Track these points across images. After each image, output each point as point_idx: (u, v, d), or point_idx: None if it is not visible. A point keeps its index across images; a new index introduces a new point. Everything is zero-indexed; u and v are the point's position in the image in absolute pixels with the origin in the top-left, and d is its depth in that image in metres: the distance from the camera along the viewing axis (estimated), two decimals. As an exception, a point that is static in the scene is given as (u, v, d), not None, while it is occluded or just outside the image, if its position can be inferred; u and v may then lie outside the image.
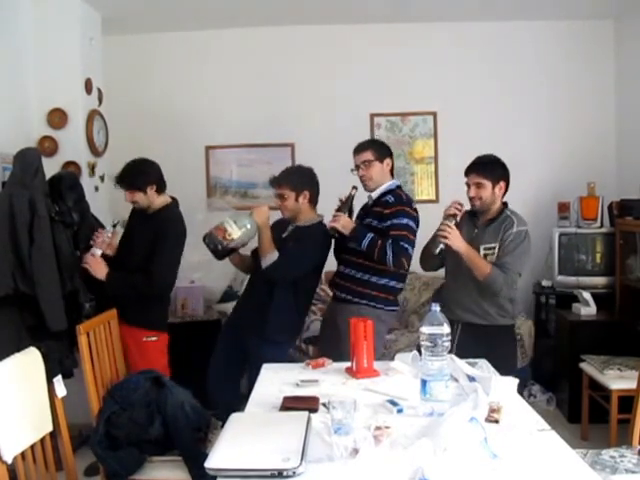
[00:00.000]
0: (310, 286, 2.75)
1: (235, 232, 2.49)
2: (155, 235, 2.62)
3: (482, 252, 2.48)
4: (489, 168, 2.53)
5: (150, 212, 2.74)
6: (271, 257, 2.55)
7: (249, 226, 2.52)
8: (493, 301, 2.51)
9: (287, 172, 2.77)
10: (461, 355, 2.25)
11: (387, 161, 2.71)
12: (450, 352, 2.30)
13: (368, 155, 2.67)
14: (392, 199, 2.61)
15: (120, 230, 2.78)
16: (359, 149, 2.72)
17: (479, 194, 2.52)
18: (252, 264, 2.76)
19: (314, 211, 2.75)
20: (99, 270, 2.64)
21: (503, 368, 2.20)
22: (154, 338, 2.68)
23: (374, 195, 2.70)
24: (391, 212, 2.57)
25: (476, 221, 2.60)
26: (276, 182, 2.69)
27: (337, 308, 2.71)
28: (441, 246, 2.45)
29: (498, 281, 2.42)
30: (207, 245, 2.54)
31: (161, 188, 2.73)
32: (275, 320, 2.60)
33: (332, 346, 2.52)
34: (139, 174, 2.67)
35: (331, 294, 3.89)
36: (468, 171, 2.56)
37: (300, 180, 2.69)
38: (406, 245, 2.52)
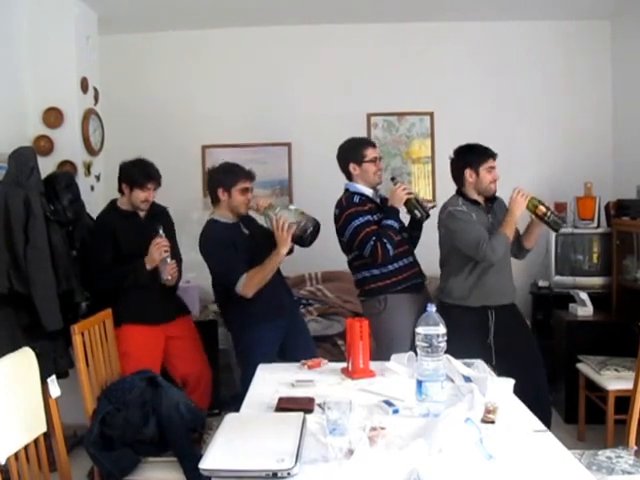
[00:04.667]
0: None
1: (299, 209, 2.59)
2: (171, 227, 2.91)
3: None
4: None
5: (146, 211, 2.80)
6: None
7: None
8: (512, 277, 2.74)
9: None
10: (501, 335, 2.61)
11: None
12: (488, 338, 2.62)
13: None
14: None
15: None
16: (373, 143, 2.81)
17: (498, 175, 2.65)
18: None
19: None
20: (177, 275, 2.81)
21: (532, 338, 2.72)
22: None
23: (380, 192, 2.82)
24: None
25: (482, 207, 2.69)
26: (254, 176, 2.73)
27: (427, 295, 2.84)
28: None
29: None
30: (314, 233, 2.60)
31: None
32: None
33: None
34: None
35: (330, 295, 3.91)
36: (491, 155, 2.64)
37: None
38: None
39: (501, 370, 2.26)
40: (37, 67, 3.35)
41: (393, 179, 2.77)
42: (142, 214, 2.82)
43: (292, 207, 2.57)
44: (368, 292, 2.73)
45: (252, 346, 2.62)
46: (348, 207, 2.65)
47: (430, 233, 2.80)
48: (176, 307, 2.91)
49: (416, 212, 2.65)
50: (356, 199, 2.67)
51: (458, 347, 2.08)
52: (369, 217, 2.63)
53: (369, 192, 2.74)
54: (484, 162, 2.63)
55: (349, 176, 2.76)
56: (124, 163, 2.81)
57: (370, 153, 2.72)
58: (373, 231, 2.59)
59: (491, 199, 2.72)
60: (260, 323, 2.61)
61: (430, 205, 2.69)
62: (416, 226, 2.80)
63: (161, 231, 2.69)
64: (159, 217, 2.85)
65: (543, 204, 2.57)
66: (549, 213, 2.56)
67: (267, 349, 2.60)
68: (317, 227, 2.60)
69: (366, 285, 2.73)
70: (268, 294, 2.58)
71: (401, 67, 4.17)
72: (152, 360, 2.66)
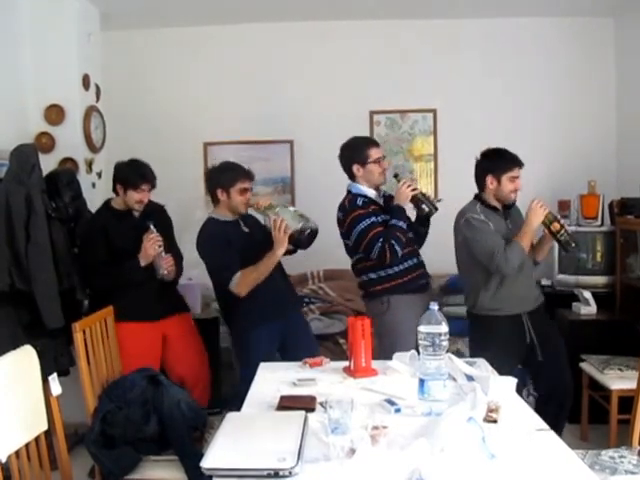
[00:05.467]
0: None
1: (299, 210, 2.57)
2: (167, 225, 2.89)
3: None
4: None
5: (139, 211, 2.78)
6: None
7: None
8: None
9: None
10: (542, 340, 2.61)
11: None
12: (530, 342, 2.60)
13: None
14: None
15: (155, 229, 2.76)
16: (377, 142, 2.77)
17: (520, 185, 2.60)
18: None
19: None
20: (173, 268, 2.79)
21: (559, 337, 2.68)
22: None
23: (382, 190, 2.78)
24: None
25: (499, 213, 2.65)
26: (253, 176, 2.72)
27: (429, 295, 2.75)
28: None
29: None
30: (313, 233, 2.57)
31: None
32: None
33: None
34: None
35: (332, 293, 3.91)
36: (518, 165, 2.58)
37: None
38: None
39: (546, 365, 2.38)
40: (39, 64, 3.35)
41: (396, 176, 2.71)
42: (136, 213, 2.79)
43: (291, 208, 2.55)
44: (372, 294, 2.69)
45: (251, 346, 2.61)
46: (352, 210, 2.61)
47: (434, 230, 2.78)
48: (173, 304, 2.88)
49: (424, 207, 2.58)
50: (359, 202, 2.61)
51: (498, 355, 2.11)
52: (374, 219, 2.58)
53: (372, 193, 2.68)
54: (508, 170, 2.56)
55: (352, 176, 2.70)
56: (118, 163, 2.80)
57: (374, 153, 2.65)
58: (380, 232, 2.55)
59: (508, 205, 2.68)
60: (260, 323, 2.59)
61: (437, 199, 2.65)
62: (424, 222, 2.73)
63: (152, 226, 2.67)
64: (154, 215, 2.82)
65: (559, 221, 2.52)
66: (563, 231, 2.51)
67: (266, 349, 2.59)
68: (315, 230, 2.56)
69: (370, 287, 2.69)
70: (269, 294, 2.56)
71: (404, 64, 4.15)
72: (152, 356, 2.66)
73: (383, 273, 2.63)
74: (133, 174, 2.71)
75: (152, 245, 2.64)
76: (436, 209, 2.60)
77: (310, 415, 1.63)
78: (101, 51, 3.75)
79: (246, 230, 2.69)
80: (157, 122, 4.09)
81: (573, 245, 2.53)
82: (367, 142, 2.73)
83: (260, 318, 2.59)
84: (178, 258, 2.88)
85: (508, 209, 2.69)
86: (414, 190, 2.58)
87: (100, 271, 2.69)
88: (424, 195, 2.61)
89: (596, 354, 3.12)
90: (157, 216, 2.85)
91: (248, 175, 2.67)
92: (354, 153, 2.67)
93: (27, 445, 1.67)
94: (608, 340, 3.27)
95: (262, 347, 2.59)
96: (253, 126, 4.11)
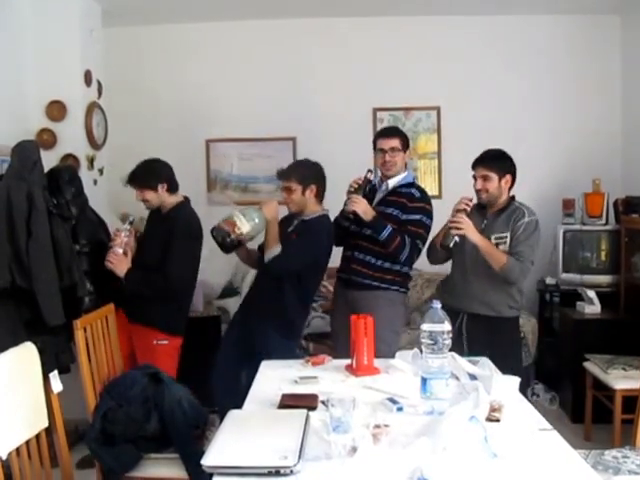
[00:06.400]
0: (312, 285, 2.73)
1: (244, 226, 2.49)
2: (169, 235, 2.64)
3: (493, 241, 2.52)
4: (496, 161, 2.58)
5: (164, 212, 2.78)
6: (274, 251, 2.54)
7: (257, 220, 2.51)
8: (505, 292, 2.55)
9: (295, 165, 2.80)
10: (467, 345, 2.46)
11: (407, 152, 2.81)
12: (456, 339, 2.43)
13: (396, 142, 2.73)
14: (418, 194, 2.72)
15: (130, 227, 2.73)
16: (388, 134, 2.79)
17: (485, 186, 2.56)
18: (259, 259, 2.71)
19: (320, 205, 2.72)
20: (120, 267, 2.63)
21: (508, 361, 2.31)
22: (165, 342, 2.67)
23: (391, 184, 2.76)
24: (415, 207, 2.68)
25: (485, 213, 2.64)
26: (284, 175, 2.66)
27: (358, 296, 2.70)
28: (455, 239, 2.47)
29: (515, 270, 2.47)
30: (215, 238, 2.52)
31: (173, 188, 2.76)
32: (283, 318, 2.60)
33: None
34: (150, 172, 2.72)
35: (332, 290, 3.91)
36: (475, 164, 2.60)
37: (307, 174, 2.66)
38: (420, 244, 2.68)
39: None
40: (40, 60, 3.34)
41: (351, 191, 2.65)
42: (163, 212, 2.78)
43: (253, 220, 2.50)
44: (402, 284, 2.85)
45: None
46: (430, 202, 2.77)
47: (435, 229, 2.76)
48: (136, 311, 2.71)
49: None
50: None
51: None
52: None
53: (376, 179, 2.82)
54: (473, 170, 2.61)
55: None
56: None
57: (379, 144, 2.76)
58: (426, 238, 2.73)
59: (502, 209, 2.57)
60: (235, 316, 2.83)
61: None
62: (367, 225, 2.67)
63: (127, 224, 2.71)
64: (168, 220, 2.74)
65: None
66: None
67: (228, 343, 2.77)
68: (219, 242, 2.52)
69: (403, 278, 2.83)
70: (248, 298, 2.64)
71: (408, 62, 4.14)
72: (121, 343, 2.58)
73: None
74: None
75: (115, 243, 2.66)
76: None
77: (312, 413, 1.62)
78: (103, 47, 3.74)
79: (288, 230, 2.66)
80: (159, 119, 4.09)
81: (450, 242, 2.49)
82: (380, 132, 2.90)
83: (237, 311, 2.83)
84: (159, 272, 2.60)
85: (500, 212, 2.57)
86: (350, 207, 2.60)
87: None
88: (349, 215, 2.65)
89: (600, 353, 3.10)
90: (168, 222, 2.73)
91: (278, 176, 2.70)
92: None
93: (28, 442, 1.66)
94: (612, 339, 3.26)
95: (226, 339, 2.82)
96: (255, 123, 4.11)
